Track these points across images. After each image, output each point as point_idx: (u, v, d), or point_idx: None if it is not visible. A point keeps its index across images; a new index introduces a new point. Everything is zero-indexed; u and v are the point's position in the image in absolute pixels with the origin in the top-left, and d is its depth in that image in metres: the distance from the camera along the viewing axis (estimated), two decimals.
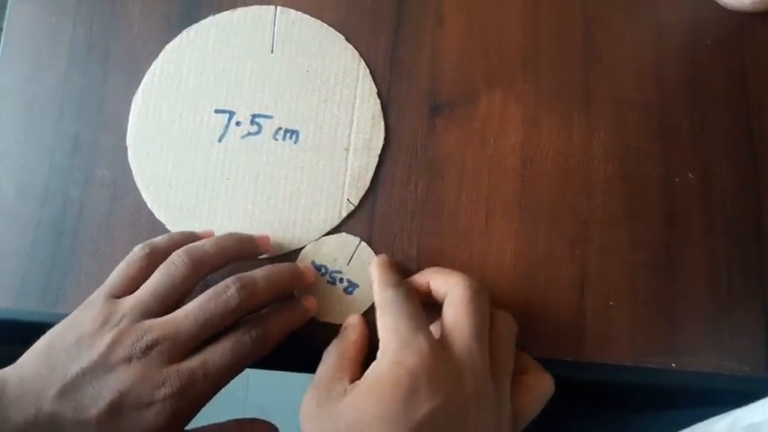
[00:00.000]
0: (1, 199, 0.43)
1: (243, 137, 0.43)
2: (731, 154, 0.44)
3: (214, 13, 0.45)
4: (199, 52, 0.45)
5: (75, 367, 0.34)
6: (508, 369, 0.36)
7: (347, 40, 0.45)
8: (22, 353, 0.35)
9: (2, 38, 0.45)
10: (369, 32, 0.45)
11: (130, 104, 0.44)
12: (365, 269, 0.41)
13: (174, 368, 0.34)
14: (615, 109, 0.44)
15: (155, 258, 0.38)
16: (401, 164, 0.44)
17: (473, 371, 0.34)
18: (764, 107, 0.45)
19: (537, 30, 0.45)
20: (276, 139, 0.43)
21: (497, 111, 0.44)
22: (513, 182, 0.43)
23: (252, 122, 0.44)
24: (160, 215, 0.43)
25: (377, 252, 0.42)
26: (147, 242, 0.39)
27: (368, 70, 0.45)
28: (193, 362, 0.35)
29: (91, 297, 0.37)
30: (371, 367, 0.35)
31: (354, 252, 0.42)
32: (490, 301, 0.37)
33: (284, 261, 0.42)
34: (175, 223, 0.43)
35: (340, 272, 0.42)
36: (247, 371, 0.38)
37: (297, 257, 0.42)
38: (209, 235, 0.41)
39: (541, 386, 0.37)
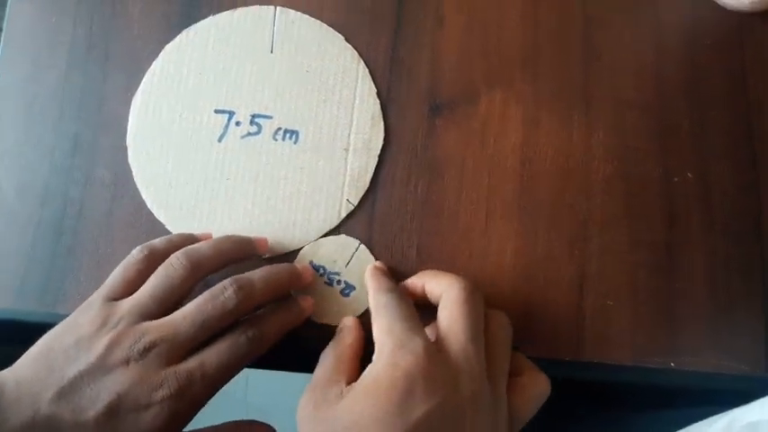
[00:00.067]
0: (1, 199, 0.43)
1: (243, 137, 0.43)
2: (731, 154, 0.44)
3: (214, 14, 0.45)
4: (199, 52, 0.45)
5: (72, 370, 0.34)
6: (504, 370, 0.36)
7: (347, 40, 0.45)
8: (22, 353, 0.35)
9: (2, 38, 0.45)
10: (368, 32, 0.45)
11: (130, 104, 0.44)
12: (363, 272, 0.41)
13: (171, 370, 0.34)
14: (615, 109, 0.44)
15: (153, 261, 0.38)
16: (401, 164, 0.44)
17: (469, 373, 0.34)
18: (764, 107, 0.45)
19: (537, 30, 0.45)
20: (276, 140, 0.43)
21: (497, 111, 0.44)
22: (512, 182, 0.43)
23: (251, 122, 0.44)
24: (160, 215, 0.43)
25: (376, 255, 0.42)
26: (145, 245, 0.39)
27: (367, 70, 0.45)
28: (191, 363, 0.35)
29: (89, 300, 0.37)
30: (368, 369, 0.35)
31: (353, 254, 0.42)
32: (485, 301, 0.37)
33: (283, 261, 0.42)
34: (175, 223, 0.43)
35: (338, 273, 0.42)
36: (247, 372, 0.38)
37: (296, 257, 0.42)
38: (207, 237, 0.41)
39: (537, 387, 0.37)
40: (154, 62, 0.45)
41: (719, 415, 0.37)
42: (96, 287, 0.38)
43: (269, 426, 0.38)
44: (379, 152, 0.43)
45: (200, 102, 0.44)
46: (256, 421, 0.38)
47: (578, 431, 0.50)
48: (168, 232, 0.42)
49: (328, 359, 0.38)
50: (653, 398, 0.45)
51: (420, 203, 0.43)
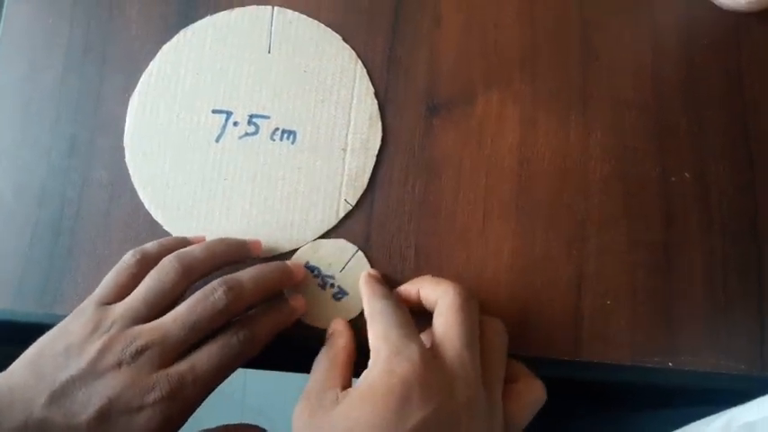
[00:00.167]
0: None
1: (240, 137, 0.43)
2: (728, 154, 0.44)
3: (211, 14, 0.45)
4: (196, 53, 0.45)
5: (64, 374, 0.34)
6: (499, 377, 0.36)
7: (344, 40, 0.45)
8: (20, 353, 0.35)
9: None
10: (366, 32, 0.45)
11: (127, 105, 0.44)
12: (358, 278, 0.41)
13: (163, 373, 0.35)
14: (612, 109, 0.44)
15: (145, 264, 0.38)
16: (398, 164, 0.44)
17: (465, 379, 0.33)
18: (761, 107, 0.45)
19: (534, 29, 0.46)
20: (273, 140, 0.43)
21: (494, 111, 0.44)
22: (510, 182, 0.43)
23: (249, 123, 0.44)
24: (157, 216, 0.43)
25: (374, 255, 0.42)
26: (137, 249, 0.39)
27: (365, 70, 0.45)
28: (182, 366, 0.35)
29: (82, 305, 0.37)
30: (363, 376, 0.35)
31: (350, 260, 0.42)
32: (483, 303, 0.37)
33: (280, 260, 0.42)
34: (173, 224, 0.43)
35: (332, 277, 0.42)
36: (245, 373, 0.38)
37: (292, 257, 0.42)
38: (200, 240, 0.41)
39: (533, 393, 0.37)
40: (151, 62, 0.45)
41: (717, 414, 0.37)
42: (94, 287, 0.38)
43: (260, 428, 0.38)
44: (376, 152, 0.43)
45: (198, 102, 0.44)
46: (248, 424, 0.38)
47: (578, 430, 0.50)
48: (166, 232, 0.42)
49: (322, 364, 0.38)
50: (651, 397, 0.45)
51: (417, 204, 0.43)
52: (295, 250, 0.42)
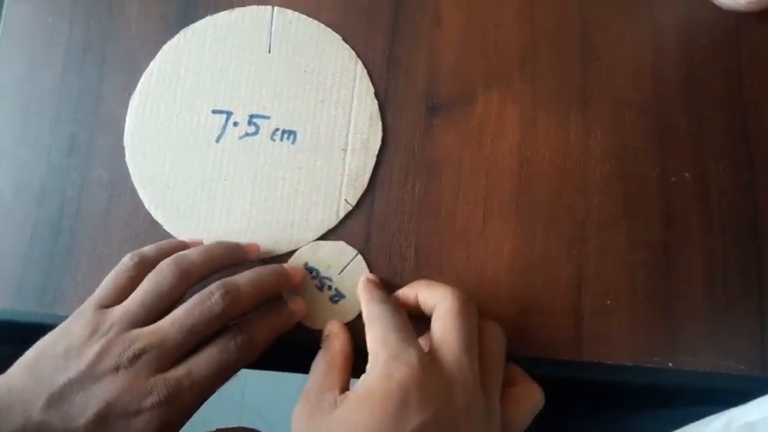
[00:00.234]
0: None
1: (240, 137, 0.43)
2: (728, 154, 0.44)
3: (211, 14, 0.45)
4: (196, 52, 0.45)
5: (62, 378, 0.34)
6: (498, 381, 0.36)
7: (344, 40, 0.45)
8: (20, 353, 0.35)
9: None
10: (366, 32, 0.45)
11: (127, 105, 0.44)
12: (355, 281, 0.41)
13: (160, 377, 0.35)
14: (612, 109, 0.44)
15: (144, 268, 0.38)
16: (398, 164, 0.44)
17: (463, 384, 0.34)
18: (761, 107, 0.45)
19: (534, 29, 0.45)
20: (274, 140, 0.43)
21: (494, 111, 0.44)
22: (510, 182, 0.43)
23: (249, 123, 0.44)
24: (157, 215, 0.43)
25: (374, 255, 0.42)
26: (135, 252, 0.39)
27: (365, 70, 0.45)
28: (180, 370, 0.35)
29: (80, 308, 0.37)
30: (361, 379, 0.35)
31: (349, 263, 0.42)
32: (483, 304, 0.37)
33: (279, 260, 0.42)
34: (173, 224, 0.42)
35: (330, 279, 0.42)
36: (244, 374, 0.38)
37: (292, 257, 0.42)
38: (198, 243, 0.41)
39: (531, 398, 0.37)
40: (151, 62, 0.45)
41: (717, 414, 0.37)
42: (94, 287, 0.38)
43: (255, 431, 0.38)
44: (377, 152, 0.43)
45: (198, 102, 0.44)
46: (244, 428, 0.38)
47: (578, 430, 0.50)
48: (166, 232, 0.42)
49: (320, 366, 0.38)
50: (651, 397, 0.45)
51: (417, 204, 0.43)
52: (295, 250, 0.42)
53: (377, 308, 0.37)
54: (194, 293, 0.37)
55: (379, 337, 0.35)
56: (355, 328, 0.40)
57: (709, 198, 0.43)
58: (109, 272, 0.38)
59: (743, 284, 0.42)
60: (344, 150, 0.43)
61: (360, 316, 0.38)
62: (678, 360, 0.41)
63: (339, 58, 0.45)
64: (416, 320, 0.37)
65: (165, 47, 0.45)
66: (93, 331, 0.35)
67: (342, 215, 0.43)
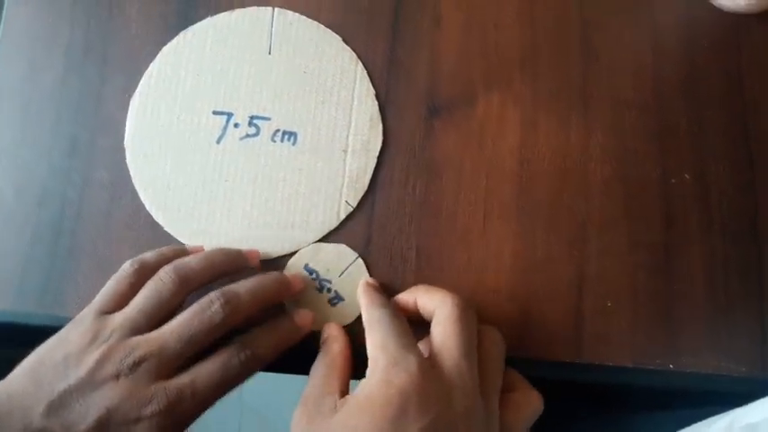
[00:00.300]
0: None
1: (241, 139, 0.43)
2: (728, 154, 0.44)
3: (211, 15, 0.45)
4: (196, 54, 0.45)
5: (62, 384, 0.34)
6: (497, 386, 0.36)
7: (345, 41, 0.45)
8: (21, 355, 0.35)
9: None
10: (366, 33, 0.45)
11: (128, 106, 0.44)
12: (354, 285, 0.41)
13: (161, 385, 0.35)
14: (613, 109, 0.44)
15: (144, 274, 0.38)
16: (399, 165, 0.44)
17: (462, 389, 0.34)
18: (761, 107, 0.45)
19: (534, 30, 0.46)
20: (274, 141, 0.43)
21: (495, 112, 0.44)
22: (510, 183, 0.43)
23: (250, 124, 0.44)
24: (158, 217, 0.43)
25: (375, 257, 0.42)
26: (136, 258, 0.39)
27: (365, 72, 0.45)
28: (182, 380, 0.35)
29: (81, 314, 0.37)
30: (361, 385, 0.35)
31: (349, 266, 0.42)
32: (484, 306, 0.37)
33: (280, 261, 0.42)
34: (174, 225, 0.42)
35: (330, 281, 0.42)
36: None
37: (292, 258, 0.42)
38: (198, 250, 0.41)
39: (530, 404, 0.37)
40: (151, 64, 0.44)
41: (719, 416, 0.37)
42: (95, 288, 0.38)
43: None
44: (377, 153, 0.43)
45: (199, 103, 0.44)
46: None
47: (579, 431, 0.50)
48: (166, 234, 0.42)
49: (319, 370, 0.38)
50: (652, 399, 0.45)
51: (418, 205, 0.43)
52: (295, 252, 0.42)
53: (377, 312, 0.37)
54: (195, 299, 0.37)
55: (378, 341, 0.35)
56: (354, 331, 0.40)
57: (710, 198, 0.43)
58: (110, 273, 0.38)
59: (744, 285, 0.42)
60: (345, 152, 0.43)
61: (358, 319, 0.38)
62: (679, 361, 0.41)
63: (339, 59, 0.45)
64: (416, 325, 0.37)
65: (165, 48, 0.45)
66: (94, 338, 0.35)
67: (342, 216, 0.43)
